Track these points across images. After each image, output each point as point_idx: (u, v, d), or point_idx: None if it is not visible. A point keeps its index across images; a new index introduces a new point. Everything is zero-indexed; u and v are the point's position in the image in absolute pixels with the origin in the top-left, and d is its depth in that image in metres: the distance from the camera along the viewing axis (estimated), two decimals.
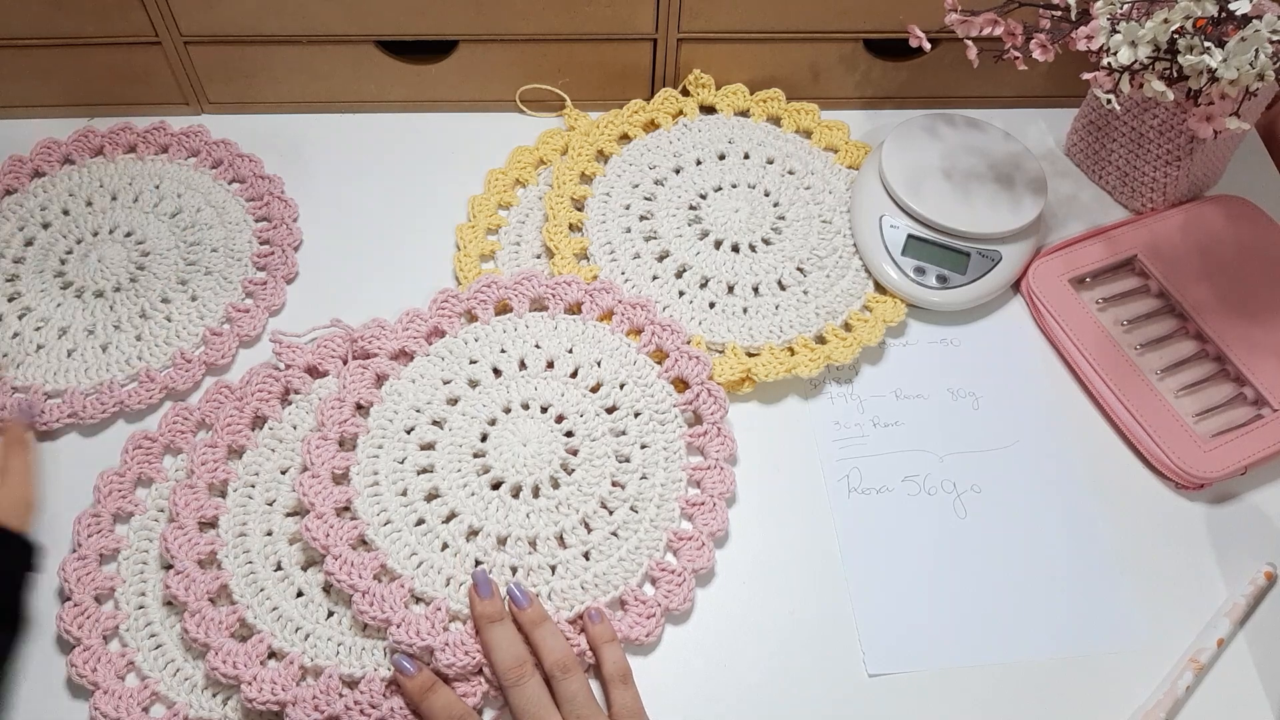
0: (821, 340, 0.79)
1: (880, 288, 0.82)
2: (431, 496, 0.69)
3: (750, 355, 0.78)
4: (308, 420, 0.73)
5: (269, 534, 0.68)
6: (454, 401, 0.73)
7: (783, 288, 0.81)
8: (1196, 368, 0.79)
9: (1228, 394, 0.77)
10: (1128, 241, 0.84)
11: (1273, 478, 0.75)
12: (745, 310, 0.79)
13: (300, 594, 0.66)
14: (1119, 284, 0.83)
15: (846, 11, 0.85)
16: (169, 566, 0.66)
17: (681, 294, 0.80)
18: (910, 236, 0.81)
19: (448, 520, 0.69)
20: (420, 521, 0.68)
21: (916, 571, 0.71)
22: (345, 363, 0.75)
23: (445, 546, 0.67)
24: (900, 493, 0.74)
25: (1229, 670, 0.67)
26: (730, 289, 0.81)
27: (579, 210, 0.84)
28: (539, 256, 0.83)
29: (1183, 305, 0.80)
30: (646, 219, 0.84)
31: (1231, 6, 0.66)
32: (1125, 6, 0.69)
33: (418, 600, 0.66)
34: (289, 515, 0.69)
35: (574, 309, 0.78)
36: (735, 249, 0.82)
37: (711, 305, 0.80)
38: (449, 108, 0.92)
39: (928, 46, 0.80)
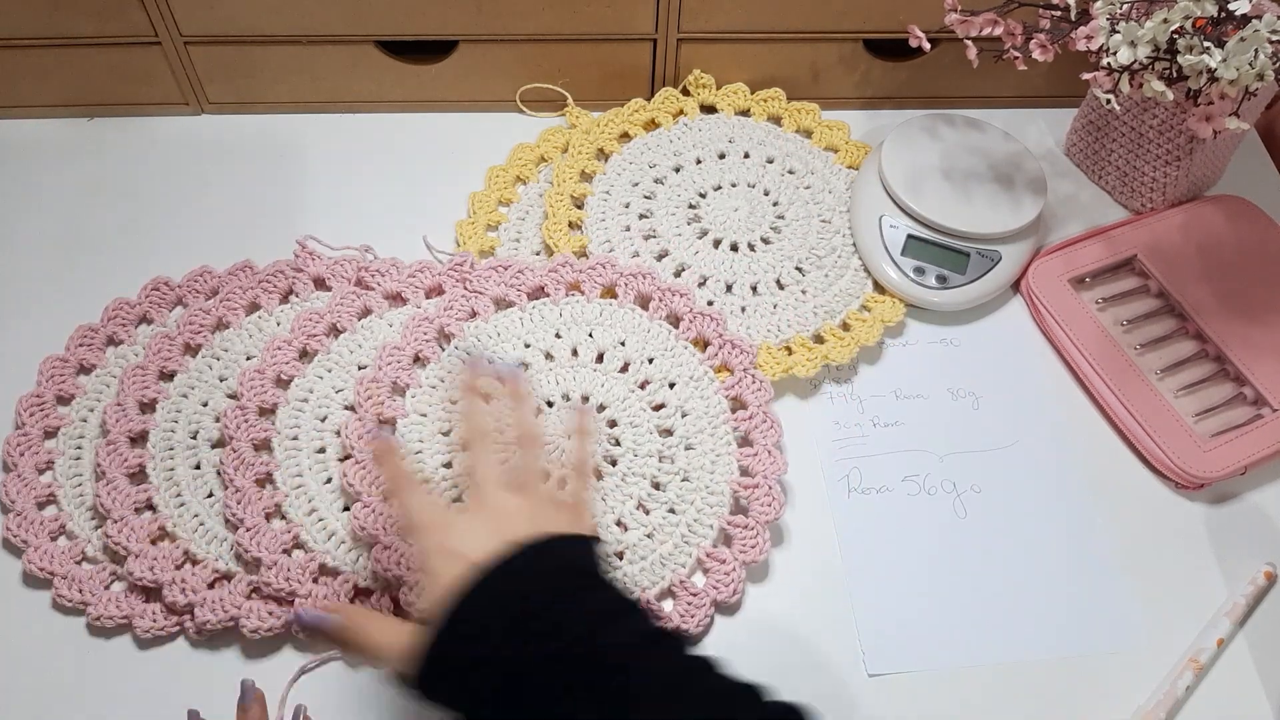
0: (819, 340, 0.79)
1: (879, 287, 0.82)
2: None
3: None
4: (286, 320, 0.76)
5: (204, 404, 0.73)
6: (524, 367, 0.74)
7: (781, 287, 0.81)
8: (1196, 368, 0.79)
9: (1227, 394, 0.77)
10: (1127, 241, 0.84)
11: (1273, 478, 0.75)
12: (743, 309, 0.79)
13: (198, 466, 0.70)
14: (1119, 284, 0.83)
15: (846, 11, 0.85)
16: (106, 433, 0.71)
17: None
18: (910, 236, 0.81)
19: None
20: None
21: (916, 571, 0.71)
22: (350, 284, 0.78)
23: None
24: (900, 493, 0.74)
25: (1229, 670, 0.67)
26: (728, 288, 0.80)
27: (579, 208, 0.84)
28: (538, 253, 0.83)
29: (1182, 305, 0.80)
30: (646, 217, 0.84)
31: (1231, 6, 0.66)
32: (1125, 6, 0.69)
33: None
34: (229, 396, 0.73)
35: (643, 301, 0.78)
36: (734, 248, 0.82)
37: (710, 304, 0.80)
38: (449, 108, 0.92)
39: (928, 46, 0.80)
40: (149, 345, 0.75)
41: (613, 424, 0.72)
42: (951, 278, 0.80)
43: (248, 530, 0.66)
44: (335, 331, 0.76)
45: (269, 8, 0.82)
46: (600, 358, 0.75)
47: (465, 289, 0.77)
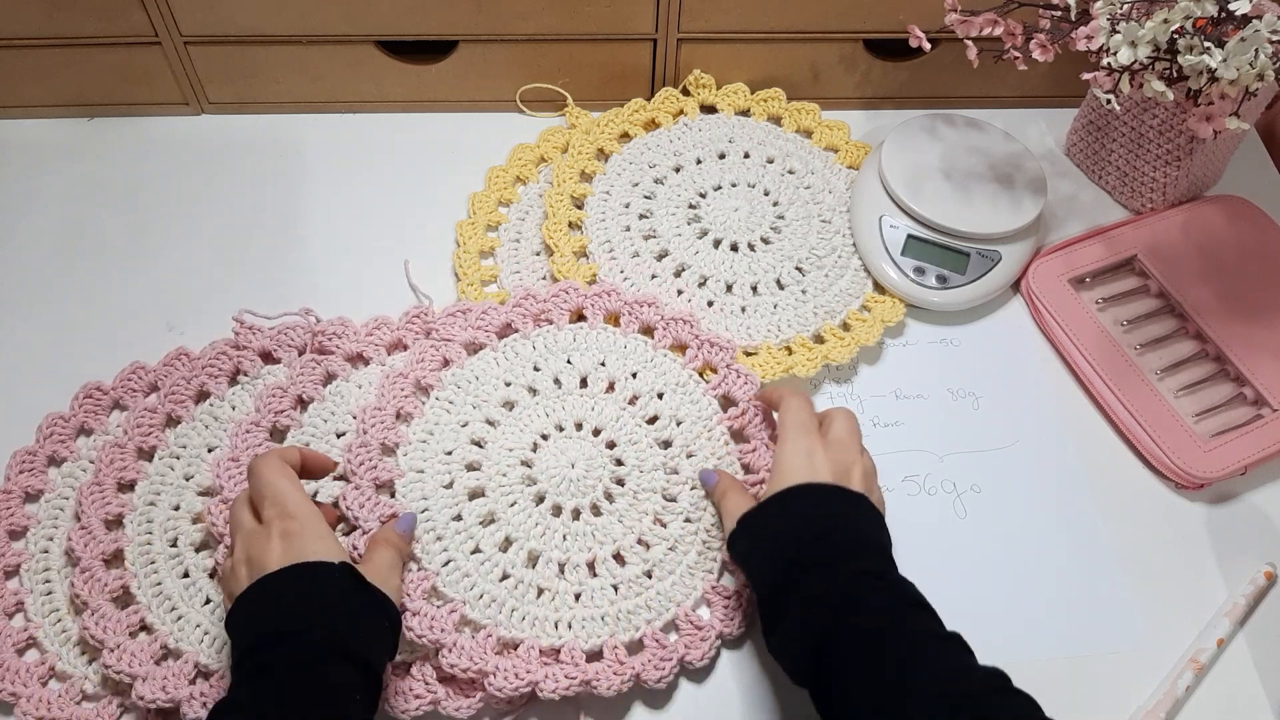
0: (819, 340, 0.79)
1: (879, 287, 0.82)
2: (474, 495, 0.69)
3: (748, 355, 0.78)
4: (248, 403, 0.73)
5: (176, 508, 0.69)
6: (510, 405, 0.73)
7: (781, 287, 0.81)
8: (1196, 368, 0.79)
9: (1228, 394, 0.77)
10: (1127, 241, 0.84)
11: (1273, 478, 0.75)
12: (743, 309, 0.79)
13: (186, 574, 0.67)
14: (1119, 284, 0.83)
15: (846, 11, 0.85)
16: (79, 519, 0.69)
17: (680, 293, 0.80)
18: (910, 236, 0.81)
19: (486, 524, 0.68)
20: (458, 517, 0.68)
21: (916, 572, 0.70)
22: (301, 354, 0.75)
23: (477, 551, 0.67)
24: (900, 493, 0.74)
25: (1229, 670, 0.67)
26: (729, 288, 0.80)
27: (579, 208, 0.84)
28: (538, 254, 0.83)
29: (1182, 305, 0.80)
30: (646, 217, 0.84)
31: (1231, 6, 0.66)
32: (1125, 6, 0.69)
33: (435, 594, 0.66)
34: (200, 494, 0.70)
35: (610, 320, 0.77)
36: (734, 248, 0.82)
37: (710, 304, 0.80)
38: (449, 108, 0.92)
39: (928, 46, 0.80)
40: (99, 458, 0.70)
41: (612, 445, 0.71)
42: (951, 278, 0.80)
43: None
44: (302, 403, 0.73)
45: (269, 8, 0.82)
46: (584, 382, 0.74)
47: (432, 338, 0.75)
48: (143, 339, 0.77)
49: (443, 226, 0.84)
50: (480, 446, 0.71)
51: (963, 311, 0.82)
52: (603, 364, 0.74)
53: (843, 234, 0.84)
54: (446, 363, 0.74)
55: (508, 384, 0.73)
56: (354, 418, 0.72)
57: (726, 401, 0.74)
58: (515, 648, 0.65)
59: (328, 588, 0.57)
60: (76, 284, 0.81)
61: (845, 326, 0.80)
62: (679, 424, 0.72)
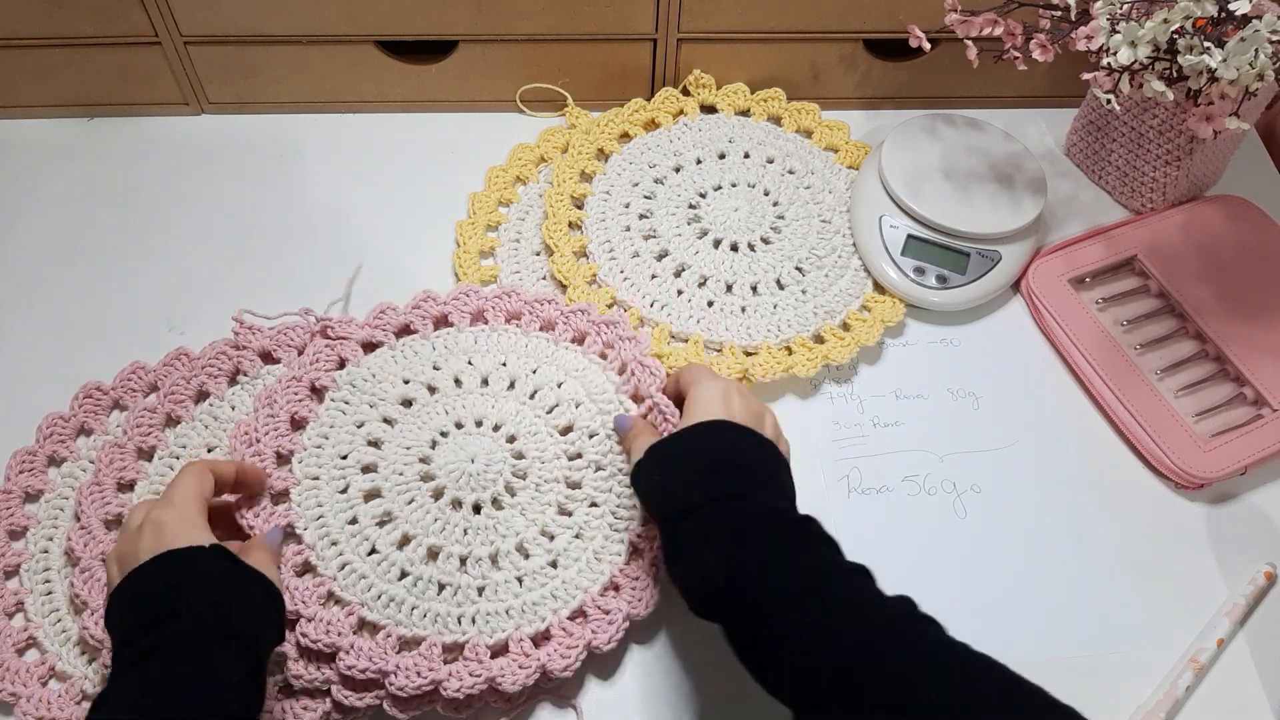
0: (819, 340, 0.79)
1: (879, 287, 0.82)
2: (371, 496, 0.68)
3: (748, 355, 0.78)
4: (248, 403, 0.72)
5: None
6: (409, 403, 0.71)
7: (781, 287, 0.81)
8: (1196, 368, 0.79)
9: (1227, 394, 0.77)
10: (1127, 241, 0.84)
11: (1273, 478, 0.75)
12: (743, 309, 0.79)
13: None
14: (1119, 284, 0.83)
15: (846, 11, 0.85)
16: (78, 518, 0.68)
17: (680, 293, 0.80)
18: (910, 236, 0.81)
19: (382, 524, 0.67)
20: (354, 520, 0.66)
21: (916, 572, 0.71)
22: (301, 354, 0.74)
23: (374, 552, 0.66)
24: (900, 493, 0.74)
25: (1229, 670, 0.67)
26: (729, 288, 0.80)
27: (579, 208, 0.84)
28: (538, 254, 0.83)
29: (1182, 305, 0.80)
30: (646, 217, 0.84)
31: (1231, 6, 0.66)
32: (1125, 6, 0.69)
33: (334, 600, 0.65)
34: None
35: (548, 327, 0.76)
36: (734, 248, 0.82)
37: (710, 304, 0.80)
38: (449, 108, 0.92)
39: (928, 46, 0.80)
40: (99, 458, 0.70)
41: (512, 439, 0.70)
42: (951, 278, 0.80)
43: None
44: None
45: (269, 8, 0.82)
46: (485, 381, 0.72)
47: (327, 336, 0.73)
48: (143, 339, 0.77)
49: (443, 226, 0.84)
50: (377, 447, 0.69)
51: (963, 311, 0.82)
52: (504, 364, 0.73)
53: (843, 234, 0.84)
54: (343, 363, 0.72)
55: (406, 381, 0.71)
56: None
57: (624, 371, 0.72)
58: (417, 645, 0.63)
59: (196, 568, 0.56)
60: (76, 284, 0.81)
61: (845, 326, 0.80)
62: (578, 406, 0.71)
